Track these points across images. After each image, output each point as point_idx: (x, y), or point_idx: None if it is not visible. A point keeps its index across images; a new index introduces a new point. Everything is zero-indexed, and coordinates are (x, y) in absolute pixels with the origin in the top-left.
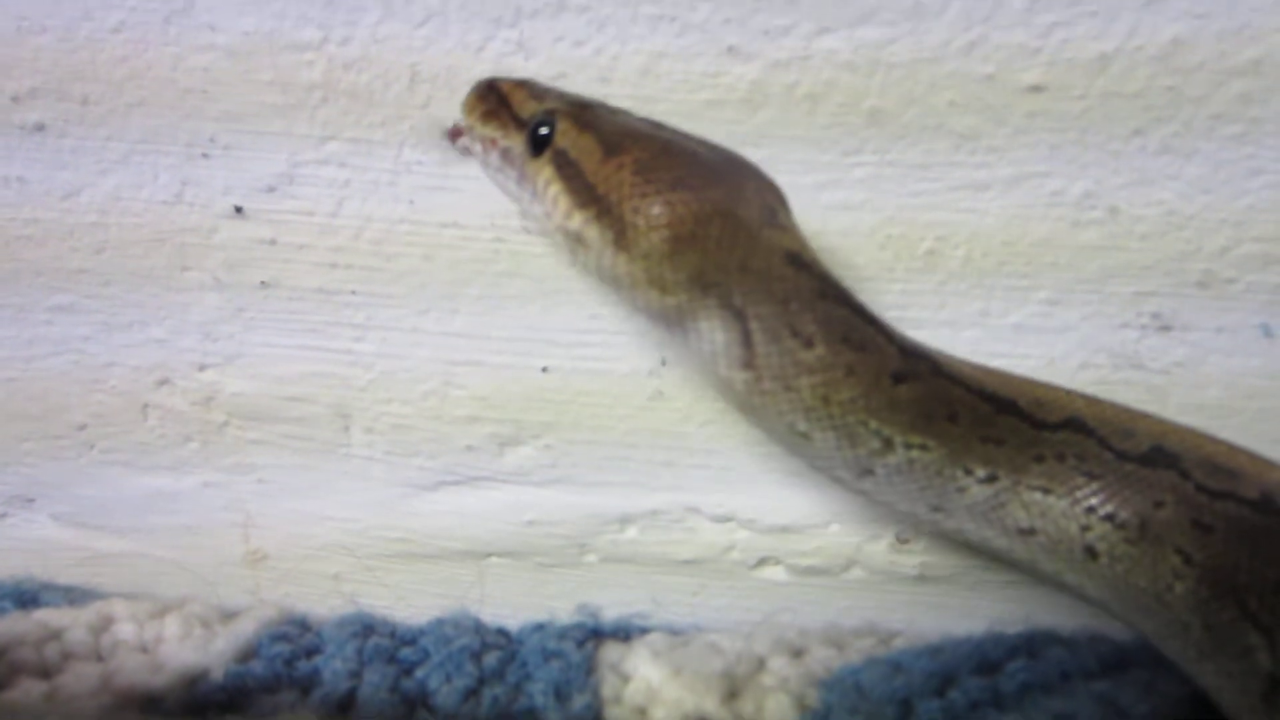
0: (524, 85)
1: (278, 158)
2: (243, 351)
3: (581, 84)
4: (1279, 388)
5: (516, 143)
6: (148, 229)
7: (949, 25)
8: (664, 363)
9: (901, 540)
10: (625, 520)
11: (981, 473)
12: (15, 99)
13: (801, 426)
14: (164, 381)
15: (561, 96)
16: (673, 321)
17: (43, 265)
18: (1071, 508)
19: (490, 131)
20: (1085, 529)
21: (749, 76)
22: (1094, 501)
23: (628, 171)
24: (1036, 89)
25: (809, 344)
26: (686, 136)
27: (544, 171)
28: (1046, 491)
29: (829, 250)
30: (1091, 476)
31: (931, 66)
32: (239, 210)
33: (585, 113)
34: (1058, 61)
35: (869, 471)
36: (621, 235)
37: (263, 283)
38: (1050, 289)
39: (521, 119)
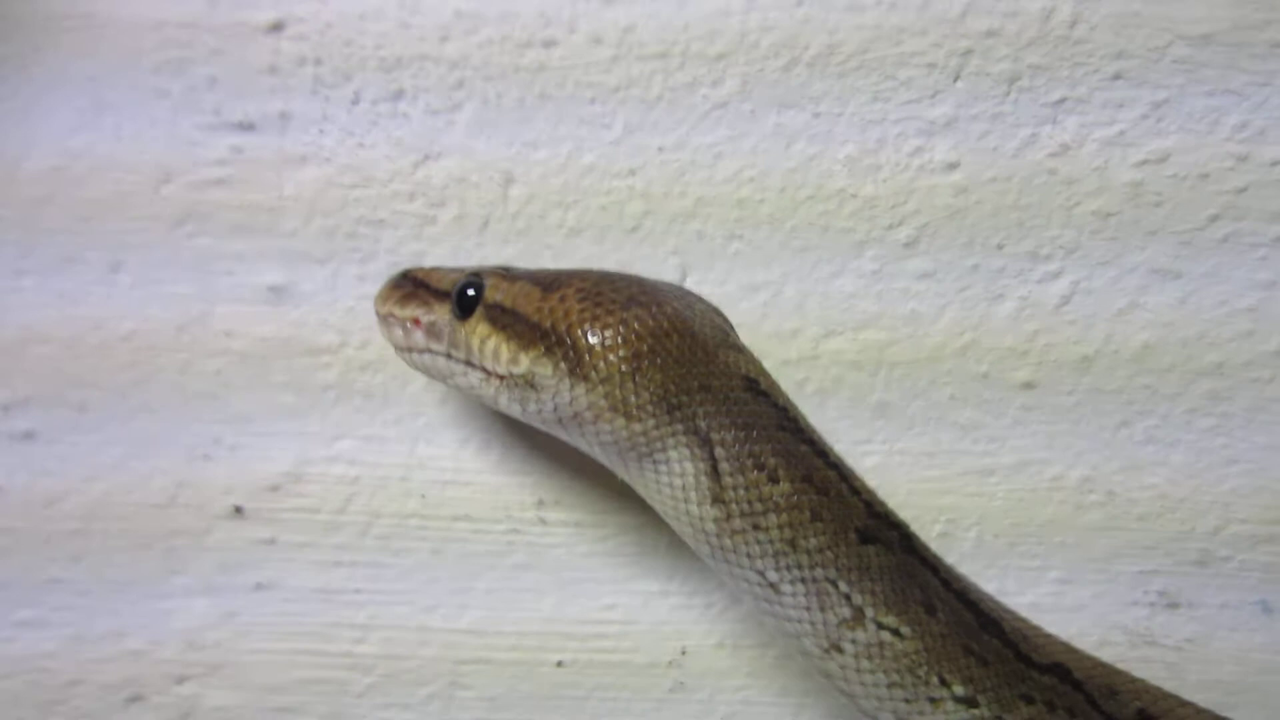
0: (437, 268)
1: (285, 457)
2: (229, 660)
3: None
4: None
5: (442, 314)
6: (134, 535)
7: (944, 330)
8: (684, 652)
9: None
10: None
11: (960, 689)
12: (6, 408)
13: (772, 575)
14: (135, 699)
15: (478, 267)
16: (642, 453)
17: (11, 578)
18: None
19: (411, 311)
20: None
21: None
22: None
23: (573, 300)
24: (1029, 385)
25: (774, 479)
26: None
27: (477, 329)
28: None
29: None
30: None
31: (931, 365)
32: (239, 511)
33: (510, 270)
34: (1045, 362)
35: (838, 647)
36: (577, 364)
37: (258, 585)
38: (1061, 569)
39: (443, 291)
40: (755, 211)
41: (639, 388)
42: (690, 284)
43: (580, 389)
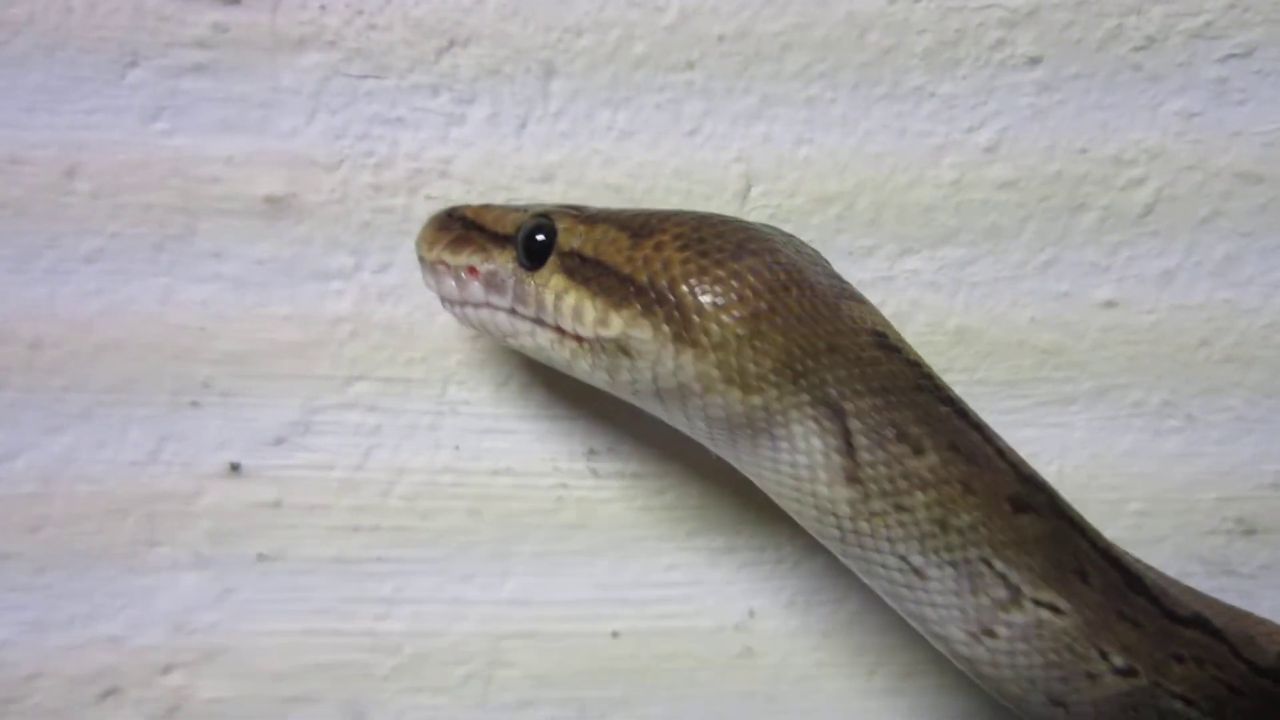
0: (490, 206)
1: (290, 404)
2: (227, 644)
3: None
4: None
5: (504, 262)
6: (106, 499)
7: (1025, 245)
8: (752, 614)
9: None
10: None
11: (1119, 660)
12: None
13: (917, 559)
14: (110, 692)
15: (543, 206)
16: (758, 428)
17: None
18: None
19: (466, 258)
20: None
21: None
22: None
23: (672, 249)
24: (1110, 304)
25: (918, 450)
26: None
27: (552, 281)
28: (1189, 702)
29: None
30: (1234, 691)
31: (1012, 285)
32: (235, 468)
33: (583, 210)
34: (1127, 277)
35: (989, 632)
36: (684, 327)
37: (260, 555)
38: (1140, 500)
39: (503, 234)
40: (827, 112)
41: (759, 354)
42: (756, 195)
43: (687, 357)
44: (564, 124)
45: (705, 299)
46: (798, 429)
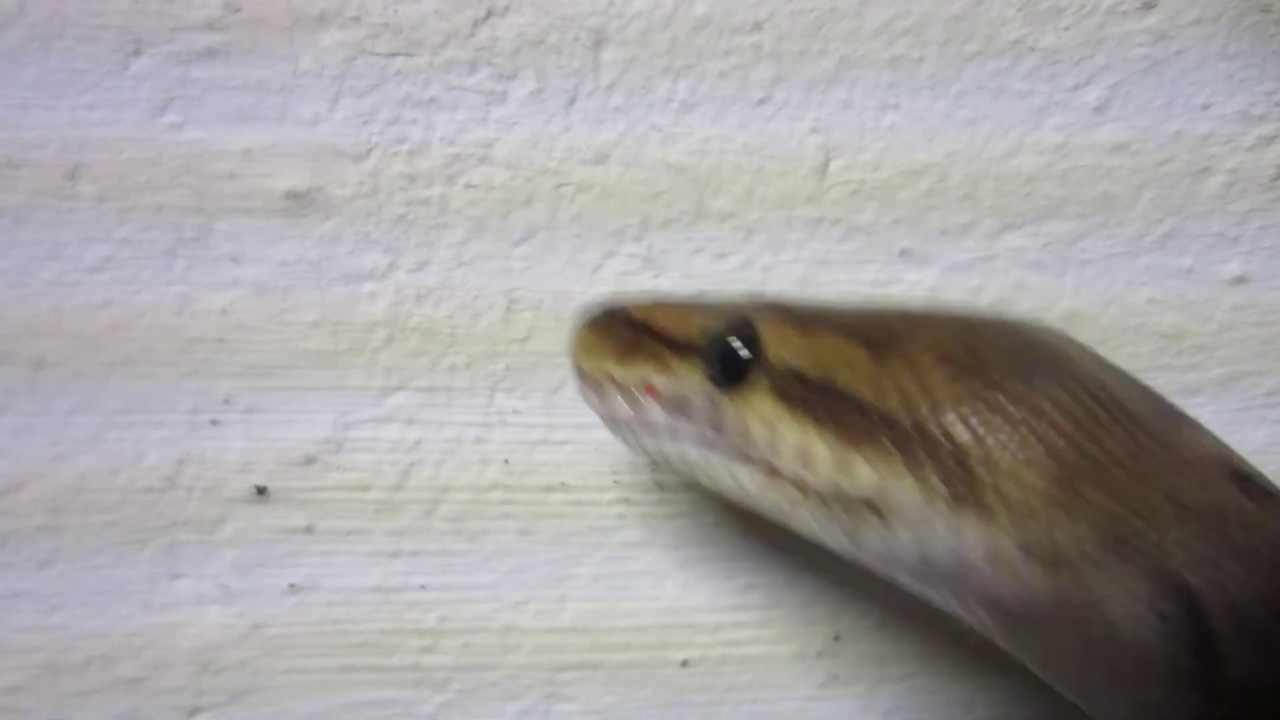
0: (662, 302)
1: (321, 418)
2: (257, 684)
3: None
4: None
5: (690, 379)
6: (120, 529)
7: (1141, 217)
8: (837, 638)
9: None
10: None
11: None
12: None
13: None
14: None
15: (728, 299)
16: (1058, 617)
17: None
18: None
19: (642, 372)
20: None
21: (926, 283)
22: None
23: (934, 371)
24: (1241, 280)
25: None
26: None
27: (760, 409)
28: None
29: None
30: None
31: (1127, 261)
32: (261, 492)
33: (790, 307)
34: (1257, 250)
35: None
36: (966, 484)
37: (292, 586)
38: None
39: (687, 343)
40: (913, 74)
41: (1071, 517)
42: (836, 169)
43: (969, 520)
44: (617, 98)
45: (994, 445)
46: (1120, 613)
